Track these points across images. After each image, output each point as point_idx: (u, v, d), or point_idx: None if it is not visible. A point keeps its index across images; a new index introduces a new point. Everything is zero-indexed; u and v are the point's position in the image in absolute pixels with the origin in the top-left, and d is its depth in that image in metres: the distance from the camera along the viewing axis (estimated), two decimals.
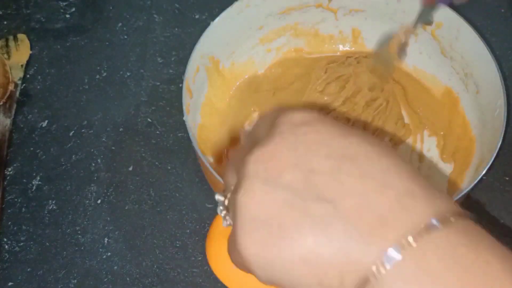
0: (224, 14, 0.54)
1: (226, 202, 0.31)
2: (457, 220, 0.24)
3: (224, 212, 0.31)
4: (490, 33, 0.62)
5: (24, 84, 0.61)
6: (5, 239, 0.52)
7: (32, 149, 0.57)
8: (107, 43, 0.64)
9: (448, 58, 0.57)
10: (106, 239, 0.51)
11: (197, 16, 0.66)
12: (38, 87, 0.61)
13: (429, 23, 0.56)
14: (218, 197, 0.31)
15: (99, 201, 0.53)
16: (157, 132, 0.57)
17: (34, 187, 0.55)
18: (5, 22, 0.66)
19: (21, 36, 0.64)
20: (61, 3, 0.67)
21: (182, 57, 0.62)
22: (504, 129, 0.46)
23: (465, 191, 0.44)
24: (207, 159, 0.51)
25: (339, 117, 0.56)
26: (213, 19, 0.54)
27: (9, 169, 0.56)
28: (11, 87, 0.61)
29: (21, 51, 0.63)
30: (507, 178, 0.55)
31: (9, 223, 0.53)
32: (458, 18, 0.53)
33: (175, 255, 0.50)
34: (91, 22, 0.66)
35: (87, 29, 0.65)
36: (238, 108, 0.58)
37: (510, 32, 0.64)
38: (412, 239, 0.23)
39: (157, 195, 0.54)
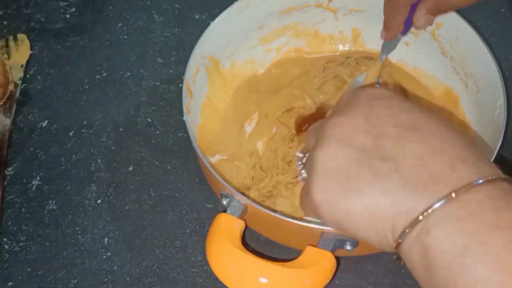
0: (224, 14, 0.54)
1: (304, 160, 0.36)
2: (497, 181, 0.28)
3: (301, 166, 0.36)
4: (490, 33, 0.62)
5: (24, 84, 0.61)
6: (5, 239, 0.52)
7: (32, 149, 0.57)
8: (107, 43, 0.64)
9: (448, 58, 0.57)
10: (106, 239, 0.51)
11: (197, 16, 0.66)
12: (38, 87, 0.61)
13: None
14: (298, 153, 0.37)
15: (99, 201, 0.53)
16: (157, 132, 0.58)
17: (34, 187, 0.55)
18: (5, 22, 0.66)
19: (21, 36, 0.64)
20: (61, 3, 0.67)
21: (182, 57, 0.62)
22: (504, 129, 0.46)
23: None
24: (207, 159, 0.51)
25: None
26: (213, 19, 0.54)
27: (9, 169, 0.56)
28: (11, 87, 0.61)
29: (21, 51, 0.63)
30: None
31: (9, 223, 0.53)
32: (458, 18, 0.53)
33: (175, 255, 0.50)
34: (91, 22, 0.66)
35: (87, 29, 0.65)
36: (238, 108, 0.58)
37: (510, 32, 0.64)
38: (459, 193, 0.27)
39: (157, 195, 0.54)
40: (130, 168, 0.55)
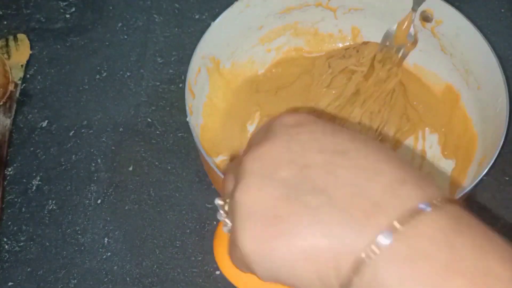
0: (224, 14, 0.54)
1: (226, 207, 0.31)
2: (446, 205, 0.24)
3: (224, 216, 0.31)
4: (490, 33, 0.62)
5: (24, 84, 0.61)
6: (5, 239, 0.52)
7: (32, 149, 0.57)
8: (107, 43, 0.64)
9: (448, 54, 0.57)
10: (106, 239, 0.51)
11: (197, 16, 0.66)
12: (38, 87, 0.61)
13: (429, 20, 0.56)
14: (218, 201, 0.32)
15: (99, 201, 0.53)
16: (157, 132, 0.57)
17: (34, 187, 0.55)
18: (5, 22, 0.66)
19: (21, 36, 0.64)
20: (61, 3, 0.67)
21: (182, 57, 0.62)
22: (506, 125, 0.46)
23: (468, 188, 0.44)
24: (212, 159, 0.51)
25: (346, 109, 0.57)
26: (213, 19, 0.54)
27: (9, 169, 0.56)
28: (11, 87, 0.61)
29: (21, 51, 0.63)
30: (507, 178, 0.55)
31: (9, 223, 0.53)
32: (458, 15, 0.53)
33: (175, 255, 0.50)
34: (91, 22, 0.66)
35: (87, 29, 0.65)
36: (239, 108, 0.58)
37: (510, 32, 0.64)
38: (403, 223, 0.24)
39: (157, 195, 0.54)
40: (130, 168, 0.55)
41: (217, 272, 0.49)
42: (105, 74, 0.62)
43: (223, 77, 0.58)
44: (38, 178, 0.55)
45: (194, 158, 0.56)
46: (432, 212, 0.24)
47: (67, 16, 0.66)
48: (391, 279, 0.23)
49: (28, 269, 0.50)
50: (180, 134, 0.57)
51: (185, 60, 0.51)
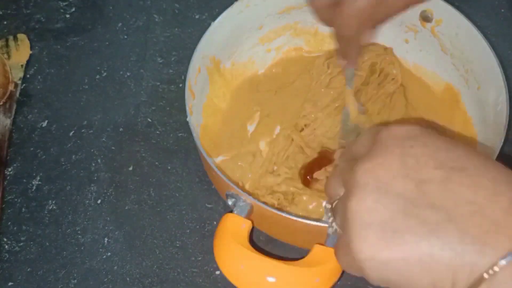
0: (224, 15, 0.54)
1: (334, 210, 0.33)
2: None
3: (331, 218, 0.33)
4: (490, 33, 0.62)
5: (24, 84, 0.61)
6: (5, 239, 0.52)
7: (32, 149, 0.57)
8: (107, 43, 0.64)
9: (448, 54, 0.57)
10: (106, 239, 0.51)
11: (197, 16, 0.66)
12: (38, 87, 0.61)
13: (429, 20, 0.56)
14: (326, 204, 0.34)
15: (99, 201, 0.53)
16: (157, 132, 0.57)
17: (34, 187, 0.55)
18: (5, 22, 0.66)
19: (21, 36, 0.64)
20: (61, 3, 0.67)
21: (182, 57, 0.62)
22: (506, 125, 0.46)
23: None
24: (212, 159, 0.51)
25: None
26: (213, 19, 0.54)
27: (9, 169, 0.56)
28: (11, 87, 0.61)
29: (21, 51, 0.63)
30: None
31: (9, 223, 0.53)
32: (458, 14, 0.53)
33: (175, 255, 0.50)
34: (91, 22, 0.66)
35: (87, 29, 0.65)
36: (239, 108, 0.58)
37: (510, 32, 0.64)
38: None
39: (157, 195, 0.54)
40: (130, 168, 0.55)
41: (217, 272, 0.49)
42: (105, 74, 0.62)
43: (223, 77, 0.58)
44: (38, 178, 0.55)
45: (194, 158, 0.56)
46: None
47: (67, 16, 0.66)
48: None
49: (28, 269, 0.50)
50: (180, 134, 0.57)
51: (185, 60, 0.51)
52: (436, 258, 0.26)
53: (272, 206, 0.50)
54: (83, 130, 0.58)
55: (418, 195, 0.27)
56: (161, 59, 0.63)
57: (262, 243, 0.51)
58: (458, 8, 0.53)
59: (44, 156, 0.56)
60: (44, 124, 0.58)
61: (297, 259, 0.42)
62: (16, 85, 0.61)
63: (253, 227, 0.45)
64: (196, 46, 0.52)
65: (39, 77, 0.62)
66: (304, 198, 0.50)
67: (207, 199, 0.53)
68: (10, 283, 0.49)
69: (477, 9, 0.64)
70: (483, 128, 0.52)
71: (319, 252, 0.42)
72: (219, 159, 0.55)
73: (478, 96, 0.53)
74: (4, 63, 0.61)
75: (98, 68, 0.62)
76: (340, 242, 0.31)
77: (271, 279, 0.40)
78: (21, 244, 0.51)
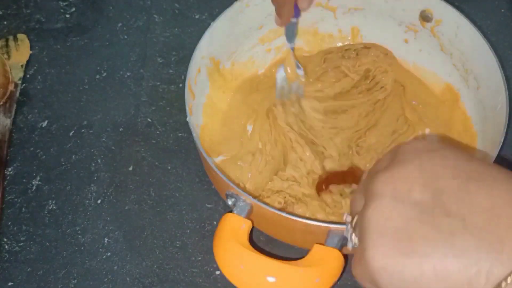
0: (224, 15, 0.54)
1: (354, 224, 0.33)
2: None
3: (350, 231, 0.33)
4: (490, 33, 0.62)
5: (24, 84, 0.61)
6: (5, 239, 0.52)
7: (32, 149, 0.57)
8: (107, 43, 0.64)
9: (448, 54, 0.57)
10: (106, 239, 0.51)
11: (197, 16, 0.66)
12: (38, 87, 0.61)
13: (429, 19, 0.56)
14: (347, 218, 0.34)
15: (99, 201, 0.53)
16: (157, 132, 0.57)
17: (34, 187, 0.55)
18: (5, 22, 0.66)
19: (21, 36, 0.64)
20: (61, 3, 0.67)
21: (182, 57, 0.62)
22: (506, 125, 0.46)
23: None
24: (212, 159, 0.51)
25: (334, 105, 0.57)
26: (213, 19, 0.54)
27: (9, 169, 0.56)
28: (11, 87, 0.61)
29: (21, 51, 0.63)
30: None
31: (9, 223, 0.53)
32: (457, 14, 0.53)
33: (175, 255, 0.50)
34: (91, 22, 0.66)
35: (87, 29, 0.65)
36: (239, 108, 0.58)
37: (510, 32, 0.64)
38: None
39: (157, 195, 0.54)
40: (130, 168, 0.55)
41: (217, 272, 0.49)
42: (105, 74, 0.62)
43: (223, 77, 0.58)
44: (38, 178, 0.55)
45: (194, 158, 0.56)
46: None
47: (67, 16, 0.66)
48: None
49: (28, 269, 0.50)
50: (180, 134, 0.57)
51: (185, 60, 0.51)
52: (451, 267, 0.26)
53: (276, 206, 0.50)
54: (83, 130, 0.58)
55: (435, 204, 0.27)
56: (161, 59, 0.63)
57: (262, 243, 0.51)
58: (458, 8, 0.53)
59: (44, 156, 0.56)
60: (44, 124, 0.58)
61: (297, 259, 0.42)
62: (16, 85, 0.61)
63: (253, 227, 0.45)
64: (196, 46, 0.52)
65: (39, 77, 0.62)
66: (307, 206, 0.51)
67: (207, 199, 0.53)
68: (10, 283, 0.50)
69: (477, 9, 0.64)
70: (483, 128, 0.52)
71: (319, 252, 0.42)
72: (219, 159, 0.55)
73: (478, 96, 0.53)
74: (4, 63, 0.61)
75: (98, 68, 0.62)
76: (357, 253, 0.31)
77: (271, 279, 0.40)
78: (21, 244, 0.51)
